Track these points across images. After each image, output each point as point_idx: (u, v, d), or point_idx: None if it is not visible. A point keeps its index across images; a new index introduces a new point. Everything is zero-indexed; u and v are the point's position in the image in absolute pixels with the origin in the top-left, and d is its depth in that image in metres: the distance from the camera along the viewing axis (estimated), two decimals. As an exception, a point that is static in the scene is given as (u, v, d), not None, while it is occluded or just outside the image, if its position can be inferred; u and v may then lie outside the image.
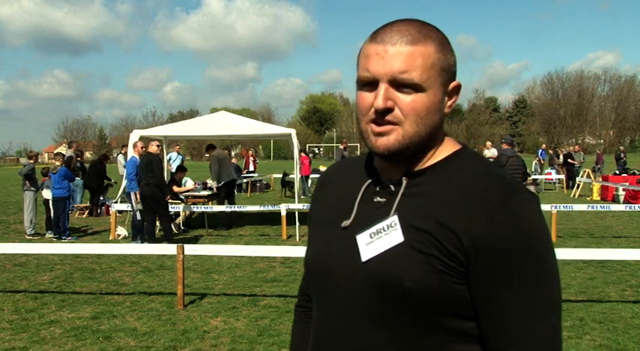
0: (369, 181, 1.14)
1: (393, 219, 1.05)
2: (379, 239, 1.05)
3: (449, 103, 1.09)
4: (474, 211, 0.99)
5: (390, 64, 1.02)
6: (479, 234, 0.98)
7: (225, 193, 12.08)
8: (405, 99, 1.03)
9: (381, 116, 1.03)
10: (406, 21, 1.07)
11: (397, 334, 1.03)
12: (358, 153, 21.73)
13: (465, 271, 0.99)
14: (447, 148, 1.11)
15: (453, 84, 1.09)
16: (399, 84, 1.02)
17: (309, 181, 18.86)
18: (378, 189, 1.12)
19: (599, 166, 22.72)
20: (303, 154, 18.85)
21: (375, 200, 1.10)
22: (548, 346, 0.99)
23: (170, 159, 16.89)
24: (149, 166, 9.14)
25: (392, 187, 1.09)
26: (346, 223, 1.11)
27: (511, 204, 0.99)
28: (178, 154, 17.63)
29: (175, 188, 11.87)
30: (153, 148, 9.40)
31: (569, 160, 20.96)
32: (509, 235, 0.97)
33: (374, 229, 1.06)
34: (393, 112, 1.03)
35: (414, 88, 1.02)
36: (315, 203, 1.27)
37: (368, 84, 1.05)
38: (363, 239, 1.07)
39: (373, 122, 1.05)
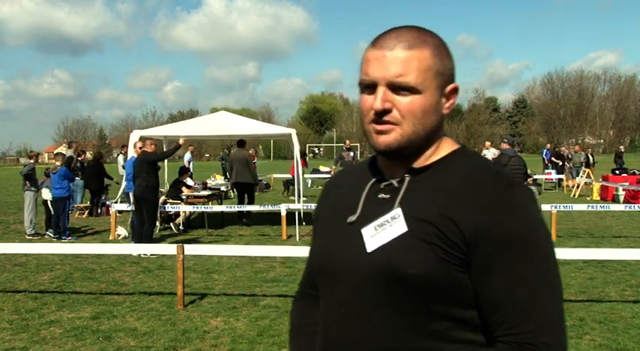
0: (374, 179, 1.20)
1: (397, 211, 1.10)
2: (384, 231, 1.10)
3: (447, 104, 1.16)
4: (474, 202, 1.06)
5: (387, 69, 1.10)
6: (478, 224, 1.04)
7: (239, 193, 12.50)
8: (402, 101, 1.10)
9: (380, 117, 1.11)
10: (404, 28, 1.14)
11: (403, 321, 1.07)
12: (358, 153, 21.65)
13: (466, 260, 1.04)
14: (446, 147, 1.18)
15: (450, 86, 1.15)
16: (396, 87, 1.10)
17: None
18: (382, 186, 1.18)
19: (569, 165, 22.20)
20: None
21: (379, 197, 1.16)
22: (551, 331, 1.02)
23: (189, 160, 17.17)
24: (143, 164, 9.09)
25: (395, 184, 1.15)
26: (352, 218, 1.17)
27: (509, 195, 1.06)
28: (191, 154, 17.87)
29: (186, 190, 11.88)
30: (151, 147, 9.37)
31: (555, 159, 21.11)
32: (507, 224, 1.03)
33: (378, 221, 1.12)
34: (391, 113, 1.10)
35: (410, 90, 1.09)
36: (321, 204, 1.32)
37: (368, 87, 1.13)
38: (368, 232, 1.12)
39: (374, 122, 1.12)
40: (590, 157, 22.02)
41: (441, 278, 1.04)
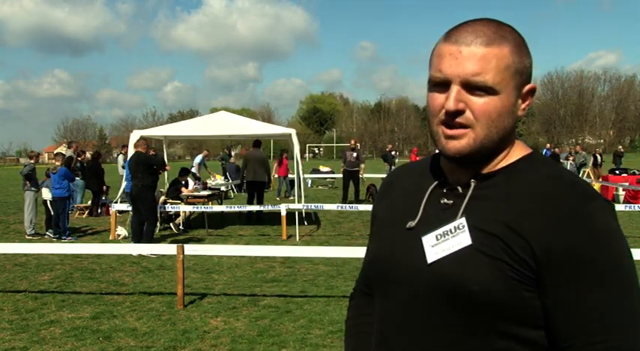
0: (436, 182, 1.12)
1: (461, 221, 1.03)
2: (446, 241, 1.03)
3: (522, 106, 1.06)
4: (546, 216, 0.96)
5: (463, 66, 1.00)
6: (551, 240, 0.95)
7: (250, 192, 12.77)
8: (477, 101, 1.01)
9: (452, 118, 1.02)
10: (482, 21, 1.05)
11: (462, 338, 1.00)
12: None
13: (535, 278, 0.96)
14: (517, 152, 1.09)
15: (527, 87, 1.06)
16: (471, 86, 1.01)
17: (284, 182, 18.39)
18: (445, 191, 1.10)
19: None
20: (286, 156, 18.61)
21: (441, 202, 1.09)
22: None
23: (201, 163, 17.07)
24: (140, 164, 9.08)
25: (460, 190, 1.07)
26: (411, 223, 1.09)
27: (584, 210, 0.96)
28: (204, 158, 17.66)
29: (185, 191, 11.88)
30: (143, 147, 9.36)
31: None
32: (582, 241, 0.94)
33: (440, 231, 1.04)
34: (464, 114, 1.01)
35: (487, 90, 1.00)
36: (379, 203, 1.25)
37: (439, 84, 1.03)
38: (428, 241, 1.05)
39: (444, 124, 1.03)
40: (599, 157, 21.91)
41: (506, 296, 0.96)
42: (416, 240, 1.07)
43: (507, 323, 0.98)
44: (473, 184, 1.06)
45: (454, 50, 1.01)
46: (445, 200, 1.08)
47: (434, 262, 1.03)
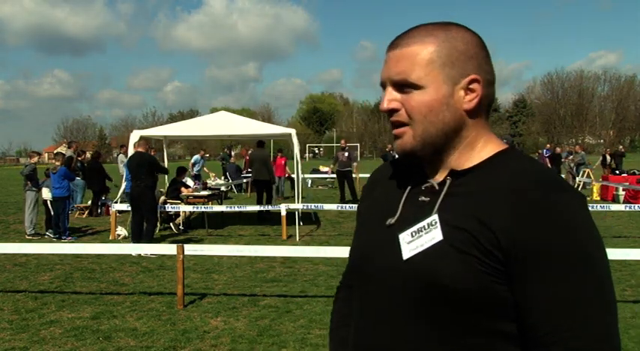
0: (415, 181, 1.16)
1: (434, 218, 1.06)
2: (420, 238, 1.06)
3: (467, 98, 1.07)
4: (514, 209, 0.98)
5: (389, 68, 1.08)
6: (517, 233, 0.97)
7: (259, 191, 13.13)
8: (408, 99, 1.07)
9: (390, 117, 1.09)
10: (420, 25, 1.11)
11: (436, 333, 1.03)
12: (358, 153, 21.56)
13: (505, 271, 0.98)
14: (491, 148, 1.11)
15: (467, 78, 1.07)
16: (399, 85, 1.07)
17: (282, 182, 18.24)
18: (423, 188, 1.13)
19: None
20: (279, 155, 18.53)
21: (419, 199, 1.12)
22: (596, 346, 0.94)
23: (195, 163, 17.04)
24: (142, 166, 9.08)
25: (436, 187, 1.11)
26: (390, 221, 1.13)
27: (551, 202, 0.97)
28: (202, 158, 17.62)
29: (185, 191, 11.88)
30: (144, 147, 9.36)
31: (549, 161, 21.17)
32: (548, 233, 0.96)
33: (415, 227, 1.08)
34: (399, 112, 1.08)
35: (412, 86, 1.06)
36: (363, 202, 1.30)
37: (384, 89, 1.11)
38: (405, 238, 1.09)
39: (391, 125, 1.11)
40: (608, 157, 21.76)
41: (477, 289, 0.98)
42: (394, 237, 1.10)
43: (480, 316, 1.00)
44: (448, 182, 1.09)
45: (386, 56, 1.10)
46: (422, 198, 1.12)
47: (409, 258, 1.06)
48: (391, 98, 1.07)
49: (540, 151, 26.50)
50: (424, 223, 1.06)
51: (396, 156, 1.26)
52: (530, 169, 1.04)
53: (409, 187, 1.15)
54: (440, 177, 1.11)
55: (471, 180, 1.07)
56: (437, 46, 1.06)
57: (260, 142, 13.39)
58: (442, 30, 1.08)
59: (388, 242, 1.11)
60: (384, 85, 1.10)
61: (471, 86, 1.07)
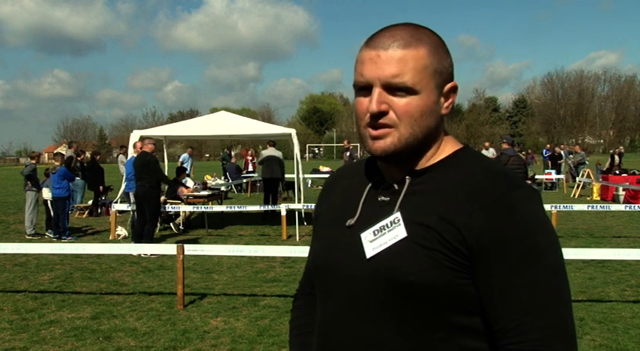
0: (374, 181, 1.17)
1: (396, 215, 1.07)
2: (383, 236, 1.07)
3: (446, 104, 1.12)
4: (475, 205, 1.01)
5: (382, 69, 1.06)
6: (479, 228, 1.00)
7: (267, 190, 13.28)
8: (399, 102, 1.06)
9: (376, 119, 1.07)
10: (399, 25, 1.10)
11: (403, 329, 1.04)
12: (359, 153, 21.55)
13: (469, 266, 1.01)
14: (448, 148, 1.14)
15: (448, 85, 1.11)
16: (392, 88, 1.06)
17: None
18: (382, 189, 1.14)
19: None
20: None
21: (379, 199, 1.13)
22: (555, 335, 0.97)
23: (183, 161, 17.05)
24: (145, 166, 9.08)
25: (395, 187, 1.12)
26: (350, 221, 1.13)
27: (510, 198, 1.01)
28: (190, 156, 17.66)
29: (185, 191, 11.88)
30: (149, 146, 9.36)
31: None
32: (507, 228, 0.99)
33: (377, 226, 1.08)
34: (387, 115, 1.07)
35: (407, 91, 1.06)
36: (321, 204, 1.29)
37: (363, 88, 1.09)
38: (367, 237, 1.09)
39: (370, 126, 1.08)
40: (617, 158, 21.64)
41: (442, 285, 1.00)
42: (355, 237, 1.11)
43: (446, 312, 1.02)
44: (408, 181, 1.10)
45: (373, 55, 1.07)
46: (382, 197, 1.13)
47: (372, 256, 1.07)
48: (381, 100, 1.06)
49: (530, 151, 26.56)
50: (386, 221, 1.07)
51: (359, 156, 1.25)
52: (488, 167, 1.08)
53: (368, 187, 1.16)
54: (398, 177, 1.12)
55: (429, 179, 1.09)
56: (428, 51, 1.07)
57: (272, 141, 13.60)
58: (425, 34, 1.09)
59: (349, 243, 1.11)
60: (369, 85, 1.07)
61: (450, 93, 1.12)
